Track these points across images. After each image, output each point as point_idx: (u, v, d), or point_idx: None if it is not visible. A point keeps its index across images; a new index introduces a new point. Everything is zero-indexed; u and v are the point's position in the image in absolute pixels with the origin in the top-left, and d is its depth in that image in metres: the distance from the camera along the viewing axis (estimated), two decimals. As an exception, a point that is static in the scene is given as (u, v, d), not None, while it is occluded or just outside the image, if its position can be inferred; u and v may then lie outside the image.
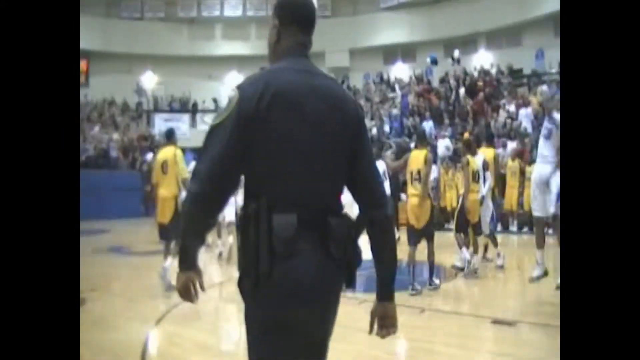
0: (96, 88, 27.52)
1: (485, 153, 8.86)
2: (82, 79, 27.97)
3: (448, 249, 9.35)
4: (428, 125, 18.95)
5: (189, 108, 28.84)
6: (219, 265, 9.65)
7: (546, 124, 6.28)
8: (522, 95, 18.84)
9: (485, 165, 8.36)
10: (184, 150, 27.08)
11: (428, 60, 22.36)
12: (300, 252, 1.75)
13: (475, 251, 8.46)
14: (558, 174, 6.00)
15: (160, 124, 27.75)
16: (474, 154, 8.34)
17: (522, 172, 12.99)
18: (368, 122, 21.32)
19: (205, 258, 7.84)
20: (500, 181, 11.74)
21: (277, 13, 1.99)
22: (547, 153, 6.24)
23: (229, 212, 8.70)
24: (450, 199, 14.12)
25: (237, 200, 6.95)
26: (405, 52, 27.34)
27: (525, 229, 13.77)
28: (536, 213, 6.47)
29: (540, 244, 6.41)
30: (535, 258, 6.46)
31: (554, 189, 6.15)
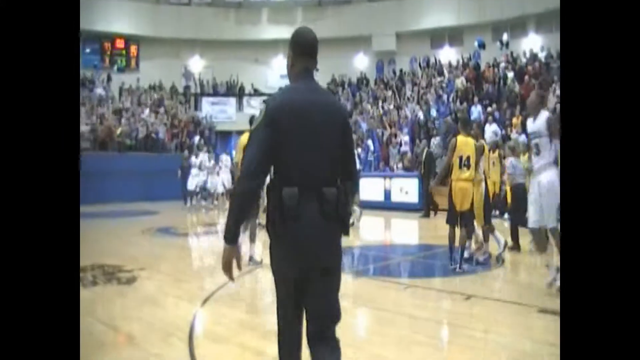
0: (145, 73, 28.09)
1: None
2: (132, 63, 28.58)
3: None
4: (476, 110, 18.65)
5: (236, 92, 29.10)
6: (264, 247, 9.79)
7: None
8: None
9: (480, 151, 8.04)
10: (230, 133, 27.36)
11: (476, 44, 21.97)
12: (304, 213, 2.57)
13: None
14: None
15: (207, 107, 28.15)
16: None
17: None
18: (414, 107, 21.16)
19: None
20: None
21: (290, 46, 2.89)
22: (551, 158, 5.97)
23: None
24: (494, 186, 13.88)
25: None
26: (452, 35, 26.82)
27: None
28: (536, 224, 6.08)
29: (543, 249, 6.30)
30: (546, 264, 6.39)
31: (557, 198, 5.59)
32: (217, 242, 11.67)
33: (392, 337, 4.71)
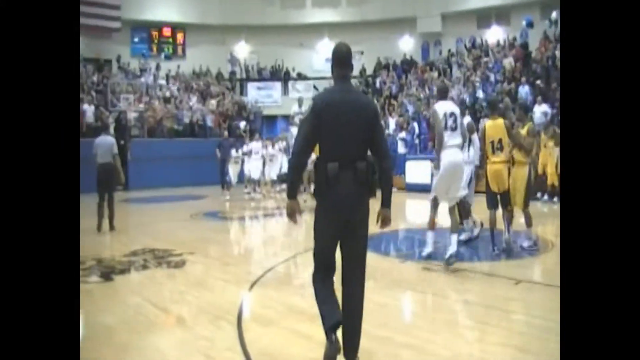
0: (192, 59, 28.43)
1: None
2: (179, 51, 28.96)
3: (541, 219, 9.05)
4: (524, 91, 18.16)
5: (281, 76, 29.16)
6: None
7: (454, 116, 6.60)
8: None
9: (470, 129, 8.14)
10: (276, 117, 27.52)
11: (523, 23, 21.29)
12: (341, 181, 3.47)
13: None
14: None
15: (253, 92, 28.32)
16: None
17: None
18: (462, 89, 20.72)
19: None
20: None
21: (331, 59, 3.77)
22: (458, 141, 6.62)
23: None
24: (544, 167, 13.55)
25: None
26: (499, 15, 26.02)
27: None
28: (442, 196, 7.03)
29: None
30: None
31: (465, 175, 7.16)
32: (263, 227, 11.79)
33: (440, 322, 4.66)
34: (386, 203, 3.68)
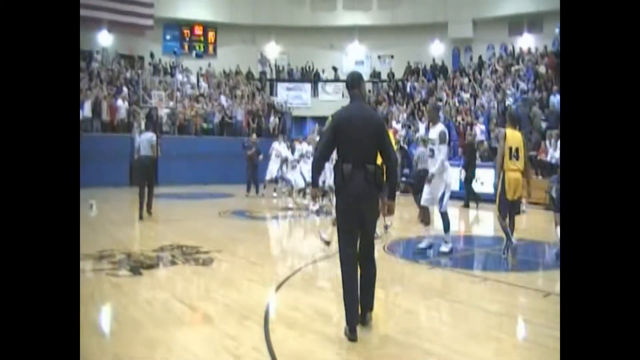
0: (222, 58, 28.66)
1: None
2: (210, 49, 29.20)
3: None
4: (555, 99, 17.92)
5: (311, 77, 29.22)
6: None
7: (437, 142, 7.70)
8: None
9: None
10: (305, 118, 27.50)
11: (556, 31, 21.00)
12: (354, 179, 4.32)
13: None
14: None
15: (282, 93, 28.42)
16: None
17: None
18: (492, 96, 20.51)
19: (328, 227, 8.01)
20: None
21: (345, 82, 4.88)
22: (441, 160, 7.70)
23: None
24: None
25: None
26: (531, 22, 25.60)
27: None
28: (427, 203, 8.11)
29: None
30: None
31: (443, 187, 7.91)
32: (290, 227, 11.81)
33: (467, 332, 4.63)
34: (391, 196, 4.69)
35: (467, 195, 15.01)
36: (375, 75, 29.01)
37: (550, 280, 6.59)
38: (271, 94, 28.53)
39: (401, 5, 27.98)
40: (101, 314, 5.19)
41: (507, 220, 7.71)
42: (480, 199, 14.52)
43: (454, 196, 15.66)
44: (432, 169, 7.79)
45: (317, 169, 4.77)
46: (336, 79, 28.59)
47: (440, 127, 7.89)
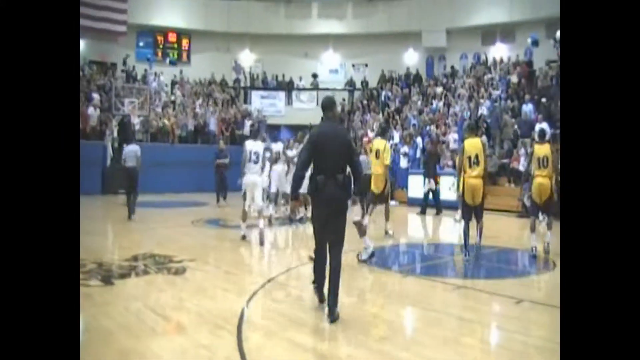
0: (196, 66, 28.54)
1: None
2: (183, 56, 29.05)
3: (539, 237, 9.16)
4: (528, 109, 18.19)
5: (285, 86, 29.23)
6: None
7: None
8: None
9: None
10: (279, 126, 27.43)
11: (529, 41, 21.32)
12: (327, 186, 5.07)
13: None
14: None
15: (257, 101, 28.37)
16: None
17: None
18: (464, 104, 20.74)
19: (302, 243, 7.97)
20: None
21: (321, 105, 5.62)
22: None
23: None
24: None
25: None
26: (504, 32, 26.05)
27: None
28: None
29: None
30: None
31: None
32: (264, 236, 11.77)
33: (440, 339, 4.65)
34: (356, 195, 5.63)
35: (434, 203, 15.27)
36: (350, 83, 29.15)
37: (522, 287, 6.67)
38: (245, 102, 28.46)
39: (376, 14, 28.20)
40: (71, 324, 5.10)
41: (469, 224, 8.21)
42: (441, 206, 14.77)
43: (416, 203, 15.96)
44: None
45: (298, 179, 5.32)
46: (313, 87, 28.68)
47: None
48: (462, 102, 21.50)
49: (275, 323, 4.97)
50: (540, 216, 8.95)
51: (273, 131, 27.08)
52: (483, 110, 19.93)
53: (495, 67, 23.53)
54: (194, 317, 5.15)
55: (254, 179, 9.43)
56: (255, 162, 9.38)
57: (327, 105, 5.54)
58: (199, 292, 6.17)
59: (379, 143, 10.23)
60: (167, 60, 28.15)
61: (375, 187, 10.00)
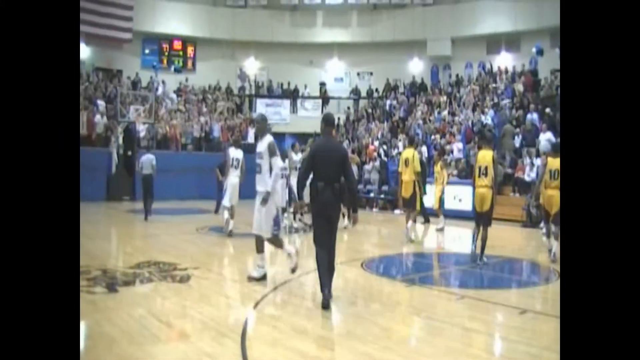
0: (202, 73, 28.64)
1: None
2: (189, 64, 29.14)
3: (543, 247, 9.16)
4: (532, 117, 18.17)
5: (290, 94, 29.29)
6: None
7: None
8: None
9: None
10: (284, 134, 27.43)
11: (533, 50, 21.33)
12: (324, 192, 5.90)
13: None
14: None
15: (261, 108, 28.40)
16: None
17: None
18: (470, 114, 20.72)
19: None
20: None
21: (322, 120, 6.33)
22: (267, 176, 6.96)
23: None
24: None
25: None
26: (509, 41, 26.10)
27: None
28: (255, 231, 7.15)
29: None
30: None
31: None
32: (268, 245, 11.75)
33: (443, 349, 4.64)
34: (354, 209, 6.79)
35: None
36: (355, 91, 29.20)
37: (526, 298, 6.65)
38: (250, 109, 28.50)
39: (380, 22, 28.27)
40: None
41: (479, 231, 8.66)
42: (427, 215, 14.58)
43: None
44: (262, 187, 6.99)
45: (301, 186, 6.17)
46: (319, 96, 28.71)
47: (269, 138, 7.06)
48: (467, 110, 21.49)
49: (279, 331, 4.97)
50: (552, 227, 8.95)
51: (278, 139, 27.10)
52: (487, 119, 19.89)
53: (501, 76, 23.54)
54: (197, 325, 5.14)
55: (235, 181, 11.25)
56: (236, 168, 11.21)
57: (329, 121, 6.24)
58: (202, 299, 6.17)
59: (408, 152, 11.34)
60: (172, 68, 28.20)
61: (405, 192, 11.07)
